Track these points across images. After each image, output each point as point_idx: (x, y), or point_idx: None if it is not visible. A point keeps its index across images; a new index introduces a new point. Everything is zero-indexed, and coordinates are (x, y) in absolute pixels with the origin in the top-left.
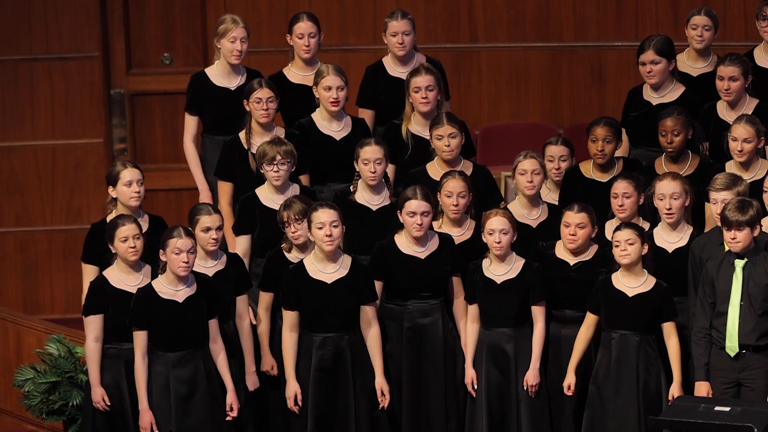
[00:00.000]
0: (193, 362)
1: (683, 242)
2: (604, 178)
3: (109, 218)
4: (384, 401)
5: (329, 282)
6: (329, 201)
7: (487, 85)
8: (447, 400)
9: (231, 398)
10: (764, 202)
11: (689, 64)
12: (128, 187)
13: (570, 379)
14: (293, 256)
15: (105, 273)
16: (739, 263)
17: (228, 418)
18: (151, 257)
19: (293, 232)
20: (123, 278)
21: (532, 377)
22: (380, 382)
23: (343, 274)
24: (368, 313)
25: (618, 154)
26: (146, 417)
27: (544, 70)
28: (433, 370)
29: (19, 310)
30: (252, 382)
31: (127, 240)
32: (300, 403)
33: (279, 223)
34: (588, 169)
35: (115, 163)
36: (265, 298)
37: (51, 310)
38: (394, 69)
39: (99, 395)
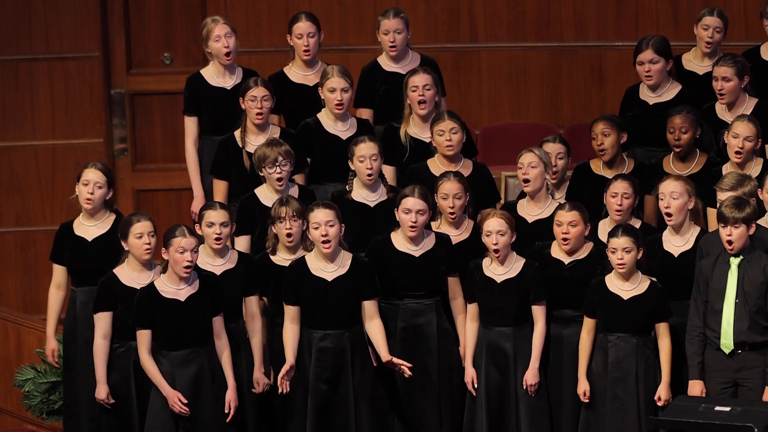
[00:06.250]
0: (197, 361)
1: (689, 246)
2: (612, 174)
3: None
4: (404, 370)
5: (330, 279)
6: (327, 200)
7: (487, 85)
8: (441, 400)
9: (230, 395)
10: (763, 201)
11: (696, 62)
12: (85, 186)
13: (584, 386)
14: (279, 258)
15: (115, 271)
16: (735, 261)
17: (228, 419)
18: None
19: (288, 228)
20: (134, 276)
21: (531, 377)
22: (386, 356)
23: (343, 272)
24: (370, 308)
25: None
26: (177, 400)
27: (544, 70)
28: (427, 369)
29: (19, 310)
30: (257, 380)
31: (142, 237)
32: (287, 380)
33: (274, 219)
34: (598, 166)
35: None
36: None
37: None
38: (389, 65)
39: (104, 393)
